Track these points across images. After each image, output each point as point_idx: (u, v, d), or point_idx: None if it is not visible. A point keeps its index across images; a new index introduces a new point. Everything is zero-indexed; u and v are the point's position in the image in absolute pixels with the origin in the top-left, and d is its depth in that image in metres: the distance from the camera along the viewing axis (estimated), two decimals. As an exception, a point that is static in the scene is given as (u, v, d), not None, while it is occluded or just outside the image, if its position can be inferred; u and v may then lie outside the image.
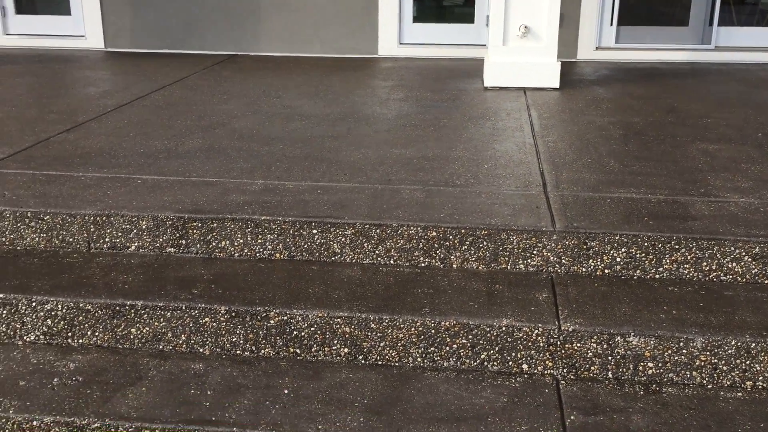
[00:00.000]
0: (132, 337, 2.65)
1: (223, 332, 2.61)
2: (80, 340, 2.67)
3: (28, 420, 2.27)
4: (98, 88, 5.37)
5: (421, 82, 5.64)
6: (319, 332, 2.57)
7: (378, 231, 2.88)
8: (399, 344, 2.54)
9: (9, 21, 7.04)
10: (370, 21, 6.85)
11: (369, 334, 2.55)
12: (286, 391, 2.39)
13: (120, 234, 3.01)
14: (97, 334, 2.66)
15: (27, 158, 3.63)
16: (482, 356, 2.51)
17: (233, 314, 2.60)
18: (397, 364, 2.56)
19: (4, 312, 2.67)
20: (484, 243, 2.84)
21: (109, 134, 4.12)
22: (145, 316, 2.63)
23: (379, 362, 2.57)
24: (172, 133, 4.16)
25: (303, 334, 2.58)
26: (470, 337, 2.50)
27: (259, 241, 2.96)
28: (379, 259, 2.92)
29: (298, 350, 2.59)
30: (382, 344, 2.55)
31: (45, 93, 5.16)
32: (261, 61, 6.70)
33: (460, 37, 6.78)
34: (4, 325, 2.68)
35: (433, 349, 2.53)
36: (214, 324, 2.61)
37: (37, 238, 3.04)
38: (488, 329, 2.50)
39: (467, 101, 4.98)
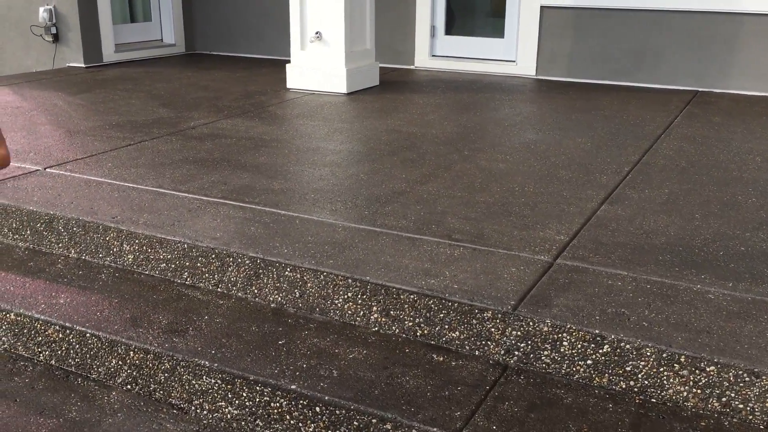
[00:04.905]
0: None
1: None
2: None
3: None
4: (578, 134, 4.47)
5: None
6: None
7: None
8: None
9: (437, 42, 6.55)
10: None
11: None
12: None
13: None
14: None
15: (595, 244, 2.74)
16: None
17: None
18: None
19: None
20: None
21: (667, 212, 3.10)
22: None
23: None
24: (749, 224, 3.03)
25: None
26: None
27: None
28: None
29: None
30: None
31: (525, 134, 4.38)
32: (741, 102, 5.37)
33: None
34: None
35: None
36: None
37: (686, 393, 2.08)
38: None
39: None
